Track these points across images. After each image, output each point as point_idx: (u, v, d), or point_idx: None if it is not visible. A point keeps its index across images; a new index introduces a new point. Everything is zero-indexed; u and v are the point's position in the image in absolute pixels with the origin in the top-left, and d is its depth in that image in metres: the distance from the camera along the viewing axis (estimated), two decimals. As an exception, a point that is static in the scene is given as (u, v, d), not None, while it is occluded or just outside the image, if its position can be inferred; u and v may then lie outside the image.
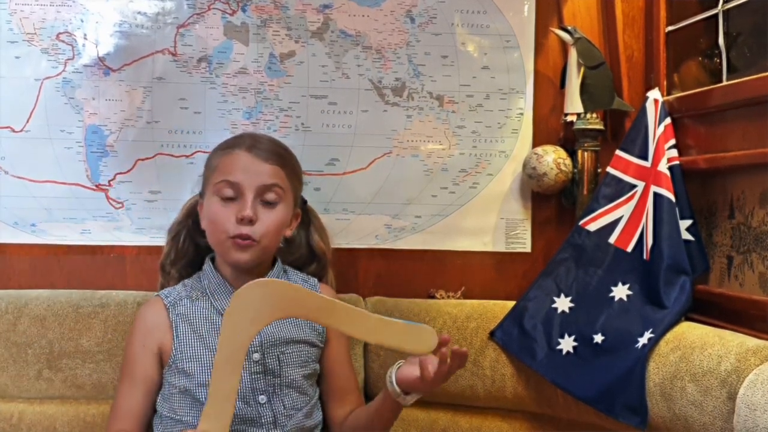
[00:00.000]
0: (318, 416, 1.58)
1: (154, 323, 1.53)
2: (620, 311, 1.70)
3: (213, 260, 1.58)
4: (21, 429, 1.75)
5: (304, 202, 1.70)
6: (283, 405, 1.51)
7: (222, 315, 1.51)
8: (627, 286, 1.73)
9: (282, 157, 1.55)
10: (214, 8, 1.95)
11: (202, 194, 1.57)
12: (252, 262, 1.51)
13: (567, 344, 1.73)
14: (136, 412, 1.51)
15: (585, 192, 1.92)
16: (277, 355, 1.52)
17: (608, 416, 1.60)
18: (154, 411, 1.54)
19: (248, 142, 1.53)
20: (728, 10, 1.69)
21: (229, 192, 1.49)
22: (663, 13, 1.87)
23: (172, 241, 1.65)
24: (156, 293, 1.59)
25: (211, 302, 1.53)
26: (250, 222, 1.47)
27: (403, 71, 2.00)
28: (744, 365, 1.34)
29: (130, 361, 1.54)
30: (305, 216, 1.70)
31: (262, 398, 1.49)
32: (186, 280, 1.60)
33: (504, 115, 2.03)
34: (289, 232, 1.59)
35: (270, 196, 1.51)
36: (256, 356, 1.50)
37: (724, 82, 1.69)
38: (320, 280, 1.70)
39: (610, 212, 1.79)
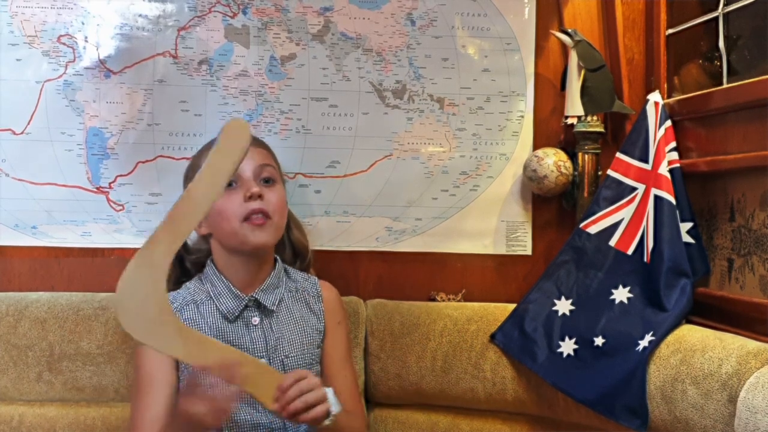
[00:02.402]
0: None
1: None
2: (621, 314, 1.70)
3: (213, 261, 1.58)
4: None
5: None
6: None
7: (228, 320, 1.51)
8: (627, 288, 1.73)
9: (265, 144, 1.63)
10: (214, 11, 1.96)
11: None
12: (270, 241, 1.54)
13: (567, 347, 1.73)
14: (160, 420, 1.45)
15: (585, 194, 1.92)
16: (282, 359, 1.52)
17: (609, 419, 1.60)
18: None
19: None
20: (728, 13, 1.69)
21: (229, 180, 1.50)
22: (663, 16, 1.87)
23: None
24: None
25: (216, 306, 1.53)
26: (260, 197, 1.49)
27: (403, 73, 2.00)
28: (745, 368, 1.34)
29: (147, 371, 1.49)
30: None
31: None
32: (188, 283, 1.59)
33: (504, 117, 2.03)
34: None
35: (267, 175, 1.56)
36: (263, 361, 1.50)
37: (725, 85, 1.69)
38: None
39: (610, 215, 1.79)
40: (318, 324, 1.60)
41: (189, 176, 1.61)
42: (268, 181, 1.55)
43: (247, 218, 1.49)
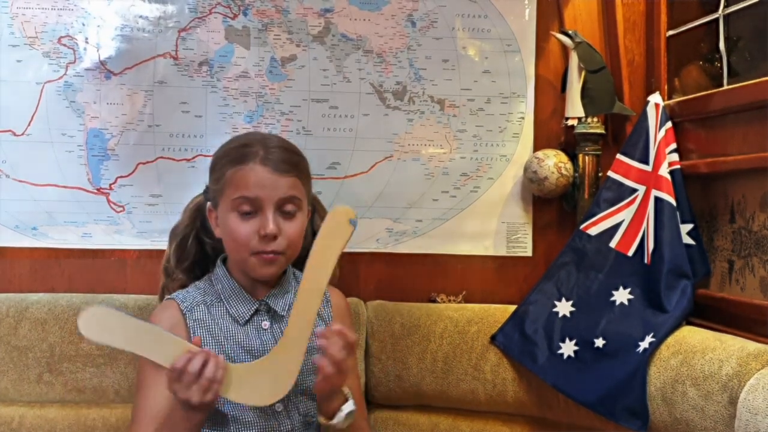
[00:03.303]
0: None
1: (171, 326, 1.47)
2: (621, 315, 1.71)
3: (224, 261, 1.57)
4: (21, 433, 1.75)
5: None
6: (299, 412, 1.49)
7: (239, 323, 1.50)
8: (628, 290, 1.73)
9: (296, 165, 1.52)
10: (215, 12, 1.96)
11: (211, 201, 1.55)
12: (277, 273, 1.51)
13: (568, 348, 1.73)
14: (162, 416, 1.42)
15: (586, 196, 1.93)
16: None
17: (609, 420, 1.60)
18: None
19: (261, 152, 1.48)
20: (729, 14, 1.69)
21: (247, 207, 1.47)
22: (664, 18, 1.88)
23: (179, 244, 1.62)
24: (169, 296, 1.55)
25: (227, 308, 1.51)
26: (274, 238, 1.46)
27: (404, 75, 2.00)
28: (745, 369, 1.34)
29: (150, 366, 1.44)
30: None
31: (278, 406, 1.47)
32: (198, 283, 1.57)
33: (505, 119, 2.03)
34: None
35: (289, 207, 1.48)
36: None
37: (725, 87, 1.69)
38: None
39: (611, 216, 1.79)
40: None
41: (213, 168, 1.57)
42: (289, 211, 1.49)
43: (257, 253, 1.48)
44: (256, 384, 1.38)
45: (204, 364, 1.31)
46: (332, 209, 1.43)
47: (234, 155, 1.50)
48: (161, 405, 1.42)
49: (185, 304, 1.51)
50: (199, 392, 1.31)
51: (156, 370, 1.45)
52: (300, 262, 1.64)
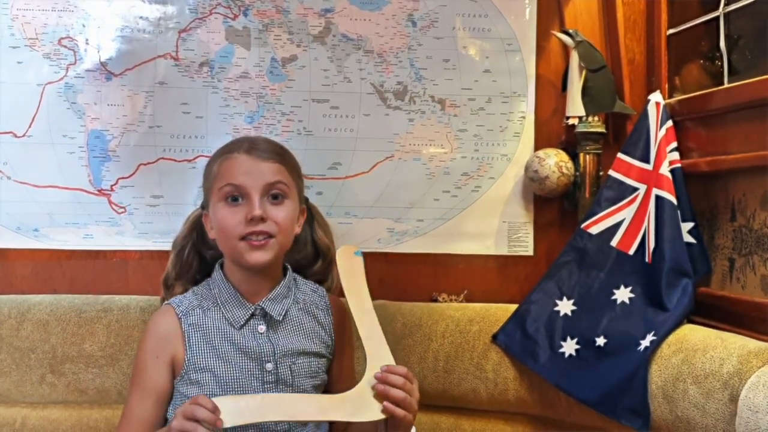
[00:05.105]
0: (324, 427, 1.57)
1: (167, 333, 1.50)
2: (622, 314, 1.70)
3: (222, 265, 1.57)
4: (24, 434, 1.76)
5: (306, 199, 1.69)
6: None
7: (233, 326, 1.51)
8: (629, 288, 1.73)
9: (281, 155, 1.55)
10: (215, 13, 1.96)
11: (205, 206, 1.56)
12: (269, 260, 1.50)
13: (569, 347, 1.73)
14: (147, 421, 1.48)
15: (587, 195, 1.93)
16: (289, 365, 1.51)
17: (611, 419, 1.60)
18: (165, 420, 1.50)
19: (246, 145, 1.52)
20: (729, 12, 1.69)
21: (234, 195, 1.49)
22: (664, 16, 1.87)
23: (177, 255, 1.63)
24: (167, 302, 1.56)
25: (223, 313, 1.52)
26: (261, 220, 1.47)
27: (404, 75, 2.00)
28: (746, 367, 1.34)
29: (141, 371, 1.51)
30: (308, 213, 1.69)
31: None
32: (195, 288, 1.58)
33: (506, 118, 2.03)
34: (298, 229, 1.58)
35: (276, 192, 1.50)
36: (270, 366, 1.49)
37: (726, 85, 1.69)
38: (326, 277, 1.69)
39: (612, 215, 1.79)
40: (326, 337, 1.59)
41: (204, 172, 1.58)
42: (276, 197, 1.51)
43: (246, 237, 1.48)
44: (366, 401, 1.42)
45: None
46: (337, 253, 1.55)
47: (221, 152, 1.55)
48: (149, 410, 1.48)
49: (180, 308, 1.52)
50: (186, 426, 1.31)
51: (148, 374, 1.49)
52: (300, 271, 1.66)
